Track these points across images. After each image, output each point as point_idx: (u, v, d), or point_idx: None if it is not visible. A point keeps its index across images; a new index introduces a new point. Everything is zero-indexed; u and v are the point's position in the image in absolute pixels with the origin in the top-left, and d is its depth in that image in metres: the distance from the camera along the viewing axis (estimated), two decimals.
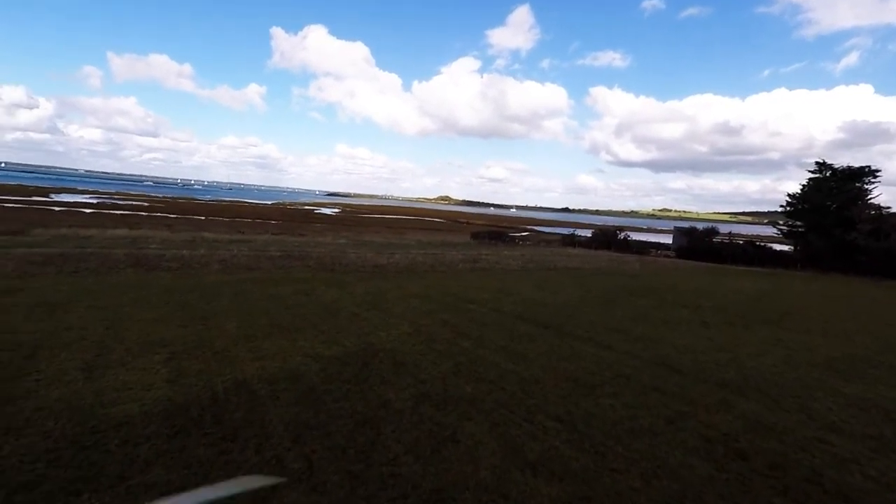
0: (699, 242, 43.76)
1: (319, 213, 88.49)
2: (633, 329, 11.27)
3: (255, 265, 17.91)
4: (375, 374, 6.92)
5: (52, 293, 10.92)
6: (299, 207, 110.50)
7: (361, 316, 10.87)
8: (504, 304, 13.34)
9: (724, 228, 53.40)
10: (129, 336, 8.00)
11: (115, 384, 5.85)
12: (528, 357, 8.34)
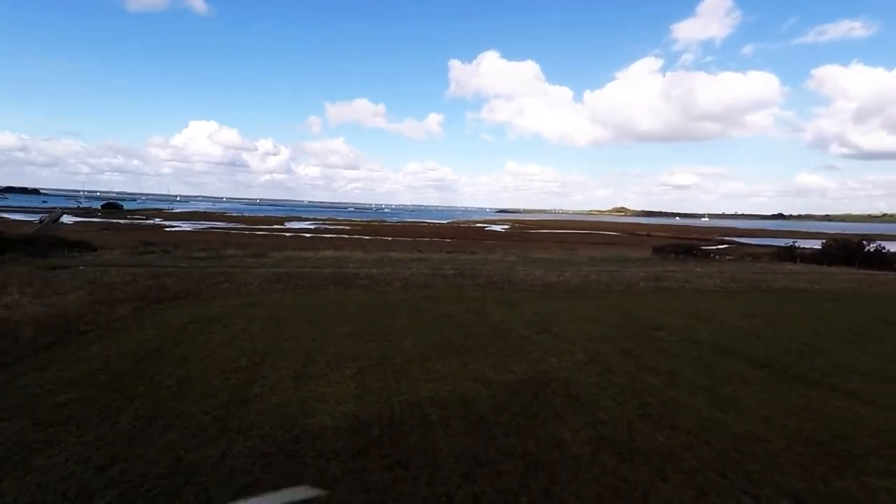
0: None
1: (490, 231, 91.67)
2: None
3: (430, 283, 19.11)
4: (547, 408, 6.37)
5: (279, 307, 13.35)
6: (471, 225, 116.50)
7: (531, 339, 10.42)
8: (700, 333, 11.28)
9: None
10: (328, 349, 9.12)
11: (315, 395, 6.62)
12: (741, 405, 6.68)
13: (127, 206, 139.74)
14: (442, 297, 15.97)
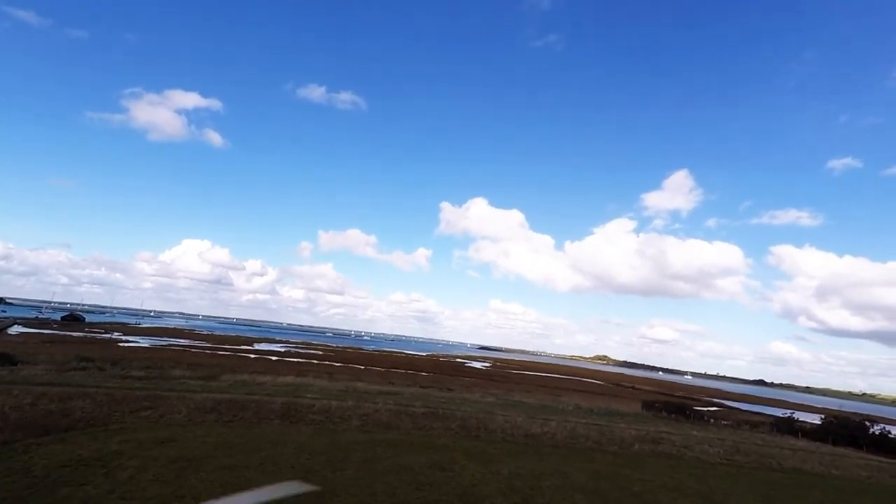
0: None
1: (470, 367, 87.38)
2: None
3: (394, 423, 16.43)
4: None
5: (197, 446, 10.70)
6: (451, 360, 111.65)
7: None
8: None
9: None
10: None
11: None
12: None
13: (94, 318, 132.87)
14: (404, 443, 13.37)
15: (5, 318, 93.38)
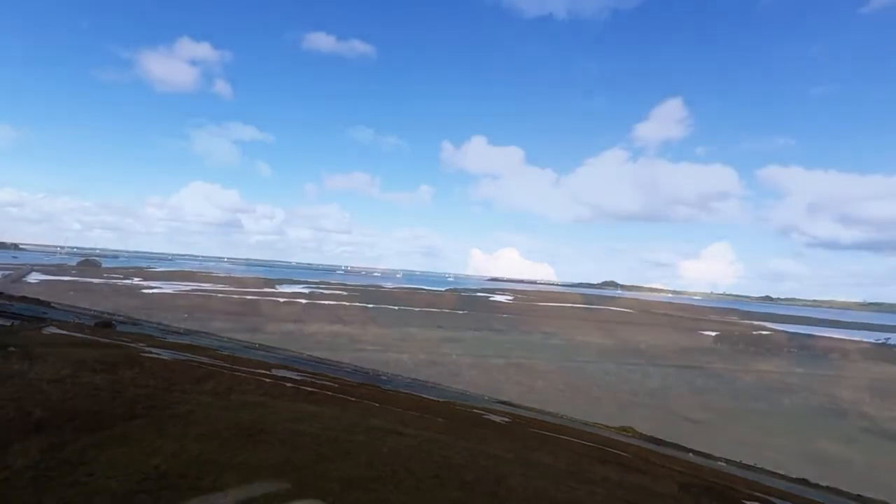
0: None
1: (495, 301, 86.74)
2: None
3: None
4: None
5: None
6: (472, 294, 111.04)
7: None
8: None
9: None
10: None
11: None
12: None
13: (109, 263, 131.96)
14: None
15: (21, 265, 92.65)
